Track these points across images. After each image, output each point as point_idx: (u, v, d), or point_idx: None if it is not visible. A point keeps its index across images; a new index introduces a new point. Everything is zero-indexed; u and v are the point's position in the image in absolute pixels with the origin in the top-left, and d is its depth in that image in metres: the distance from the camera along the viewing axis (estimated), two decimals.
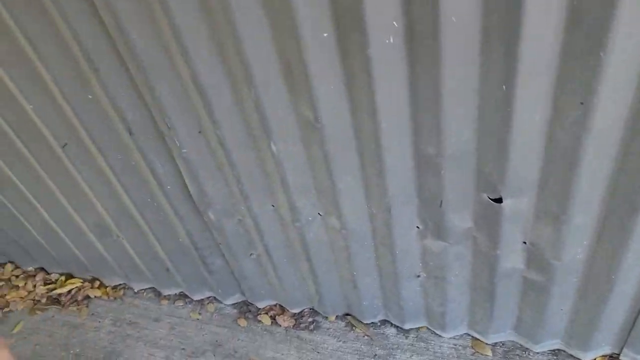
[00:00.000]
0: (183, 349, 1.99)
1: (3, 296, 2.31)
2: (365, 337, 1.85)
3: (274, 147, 1.36)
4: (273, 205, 1.57)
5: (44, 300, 2.28)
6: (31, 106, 1.49)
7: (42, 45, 1.32)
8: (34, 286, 2.32)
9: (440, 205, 1.34)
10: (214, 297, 2.12)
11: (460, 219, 1.36)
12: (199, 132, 1.41)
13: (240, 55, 1.17)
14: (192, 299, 2.14)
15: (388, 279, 1.65)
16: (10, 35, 1.33)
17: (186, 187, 1.60)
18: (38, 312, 2.25)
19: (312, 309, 1.98)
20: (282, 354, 1.86)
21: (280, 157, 1.38)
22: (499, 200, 1.25)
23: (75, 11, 1.21)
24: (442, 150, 1.20)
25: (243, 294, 2.03)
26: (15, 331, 2.21)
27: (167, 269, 2.04)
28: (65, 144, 1.59)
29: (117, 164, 1.60)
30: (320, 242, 1.62)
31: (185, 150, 1.46)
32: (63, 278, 2.32)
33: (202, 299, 2.13)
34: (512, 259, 1.40)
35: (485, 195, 1.27)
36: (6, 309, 2.29)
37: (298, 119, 1.29)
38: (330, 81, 1.17)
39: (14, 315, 2.27)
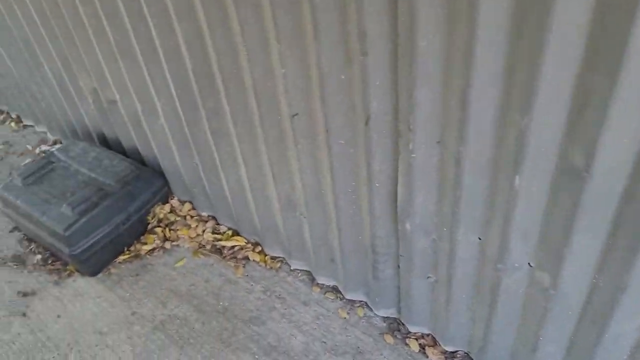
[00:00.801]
0: (324, 342, 1.97)
1: (176, 230, 2.49)
2: None
3: (517, 181, 1.25)
4: (480, 238, 1.47)
5: (208, 247, 2.42)
6: (283, 70, 1.55)
7: (322, 15, 1.34)
8: (203, 231, 2.47)
9: None
10: (366, 303, 2.08)
11: None
12: (438, 142, 1.36)
13: (531, 80, 1.08)
14: (343, 297, 2.11)
15: (580, 356, 1.46)
16: (296, 5, 1.38)
17: (395, 190, 1.56)
18: (201, 255, 2.40)
19: (467, 353, 1.84)
20: None
21: (518, 192, 1.27)
22: None
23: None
24: None
25: (399, 311, 1.96)
26: (177, 265, 2.38)
27: (332, 260, 2.03)
28: (296, 114, 1.63)
29: (337, 146, 1.61)
30: (516, 293, 1.48)
31: (414, 156, 1.41)
32: (230, 232, 2.44)
33: (354, 300, 2.10)
34: None
35: None
36: (175, 243, 2.47)
37: (560, 162, 1.17)
38: (624, 135, 1.03)
39: (180, 251, 2.45)
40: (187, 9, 1.67)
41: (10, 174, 3.02)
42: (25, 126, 3.40)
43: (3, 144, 3.26)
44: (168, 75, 1.97)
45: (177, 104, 2.06)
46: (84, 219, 2.23)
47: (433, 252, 1.63)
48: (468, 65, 1.15)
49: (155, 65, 1.99)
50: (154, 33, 1.87)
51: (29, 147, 3.21)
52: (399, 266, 1.80)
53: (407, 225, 1.60)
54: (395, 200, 1.59)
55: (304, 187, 1.85)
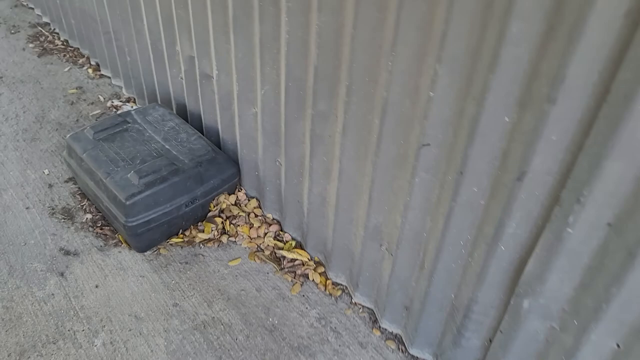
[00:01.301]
0: None
1: (236, 225, 2.31)
2: None
3: None
4: (618, 346, 1.23)
5: (267, 253, 2.22)
6: (431, 94, 1.34)
7: (510, 48, 1.13)
8: (265, 234, 2.28)
9: None
10: None
11: None
12: (609, 224, 1.12)
13: None
14: (406, 350, 1.89)
15: None
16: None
17: (523, 261, 1.33)
18: (257, 259, 2.20)
19: None
20: None
21: None
22: None
23: None
24: None
25: None
26: (230, 264, 2.19)
27: (407, 308, 1.81)
28: (428, 144, 1.42)
29: (466, 193, 1.39)
30: None
31: (570, 231, 1.18)
32: (293, 243, 2.25)
33: (417, 358, 1.87)
34: None
35: None
36: (232, 239, 2.29)
37: None
38: None
39: (236, 249, 2.26)
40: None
41: (77, 120, 2.90)
42: (101, 76, 3.28)
43: (77, 88, 3.15)
44: (283, 65, 1.79)
45: (282, 96, 1.87)
46: (148, 192, 2.06)
47: (546, 341, 1.39)
48: None
49: (272, 52, 1.81)
50: (283, 18, 1.68)
51: (101, 98, 3.08)
52: (490, 341, 1.56)
53: (525, 303, 1.37)
54: (519, 272, 1.36)
55: (404, 224, 1.64)
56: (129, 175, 2.10)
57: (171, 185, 2.13)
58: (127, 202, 2.03)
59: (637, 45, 0.95)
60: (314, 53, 1.63)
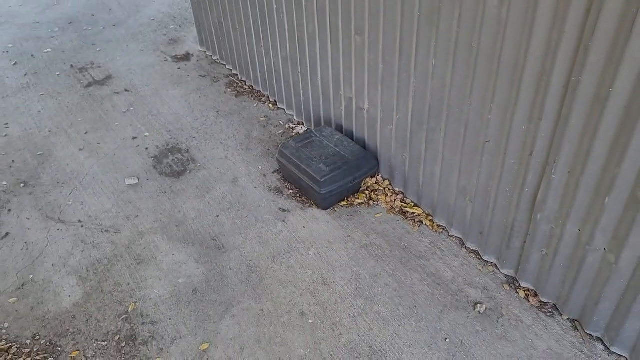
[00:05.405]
0: (464, 277, 3.26)
1: (377, 195, 3.92)
2: (580, 341, 2.82)
3: (607, 201, 2.45)
4: (579, 230, 2.66)
5: (397, 210, 3.81)
6: (489, 117, 2.86)
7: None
8: (394, 200, 3.87)
9: None
10: (495, 265, 3.32)
11: None
12: (569, 172, 2.59)
13: None
14: (481, 257, 3.37)
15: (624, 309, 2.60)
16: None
17: (536, 195, 2.80)
18: (392, 214, 3.80)
19: (555, 304, 3.02)
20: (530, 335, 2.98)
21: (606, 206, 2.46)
22: None
23: None
24: None
25: (516, 272, 3.18)
26: (376, 216, 3.80)
27: (481, 233, 3.31)
28: (488, 141, 2.94)
29: (508, 164, 2.88)
30: (593, 265, 2.65)
31: (554, 177, 2.65)
32: (412, 204, 3.82)
33: (487, 261, 3.35)
34: None
35: None
36: (375, 203, 3.90)
37: None
38: None
39: (378, 209, 3.87)
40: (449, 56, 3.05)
41: (270, 137, 4.67)
42: (278, 108, 5.07)
43: (265, 117, 4.96)
44: (410, 103, 3.38)
45: (409, 119, 3.46)
46: (332, 174, 3.73)
47: (549, 235, 2.84)
48: None
49: (404, 95, 3.41)
50: (412, 80, 3.28)
51: (281, 122, 4.86)
52: (525, 241, 3.02)
53: (538, 216, 2.83)
54: (534, 201, 2.83)
55: (478, 184, 3.15)
56: (320, 165, 3.78)
57: (343, 171, 3.78)
58: (322, 180, 3.70)
59: None
60: (429, 97, 3.21)
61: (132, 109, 5.21)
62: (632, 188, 2.33)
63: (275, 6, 4.33)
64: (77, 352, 2.98)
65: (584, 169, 2.48)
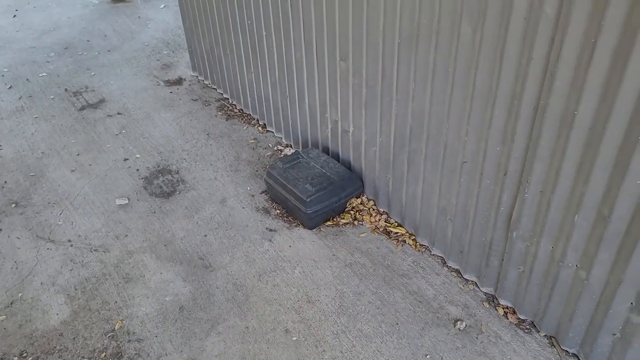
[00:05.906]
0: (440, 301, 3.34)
1: (362, 216, 4.02)
2: (557, 357, 2.89)
3: (576, 219, 2.55)
4: (552, 247, 2.76)
5: (381, 229, 3.90)
6: (466, 138, 2.99)
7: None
8: (379, 220, 3.97)
9: None
10: (475, 283, 3.40)
11: None
12: (541, 191, 2.70)
13: None
14: (462, 276, 3.46)
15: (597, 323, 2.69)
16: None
17: (511, 213, 2.91)
18: (376, 233, 3.89)
19: (532, 321, 3.10)
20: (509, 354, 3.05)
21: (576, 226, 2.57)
22: None
23: None
24: None
25: (495, 289, 3.27)
26: (360, 235, 3.89)
27: (461, 251, 3.41)
28: (466, 162, 3.06)
29: (485, 184, 3.00)
30: (566, 282, 2.75)
31: (527, 196, 2.76)
32: (396, 223, 3.91)
33: (467, 280, 3.44)
34: None
35: None
36: (360, 223, 3.99)
37: None
38: None
39: (363, 228, 3.96)
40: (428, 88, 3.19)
41: (259, 159, 4.78)
42: (267, 131, 5.20)
43: (254, 139, 5.08)
44: (393, 126, 3.51)
45: (392, 141, 3.59)
46: (318, 194, 3.83)
47: (525, 253, 2.94)
48: None
49: (387, 119, 3.55)
50: (394, 104, 3.42)
51: (270, 144, 4.98)
52: (502, 259, 3.12)
53: (514, 234, 2.93)
54: (509, 219, 2.93)
55: (457, 203, 3.26)
56: (306, 186, 3.88)
57: (328, 191, 3.88)
58: (307, 200, 3.80)
59: None
60: (410, 120, 3.34)
61: (124, 131, 5.32)
62: (599, 206, 2.44)
63: (264, 33, 4.49)
64: None
65: (555, 188, 2.60)
